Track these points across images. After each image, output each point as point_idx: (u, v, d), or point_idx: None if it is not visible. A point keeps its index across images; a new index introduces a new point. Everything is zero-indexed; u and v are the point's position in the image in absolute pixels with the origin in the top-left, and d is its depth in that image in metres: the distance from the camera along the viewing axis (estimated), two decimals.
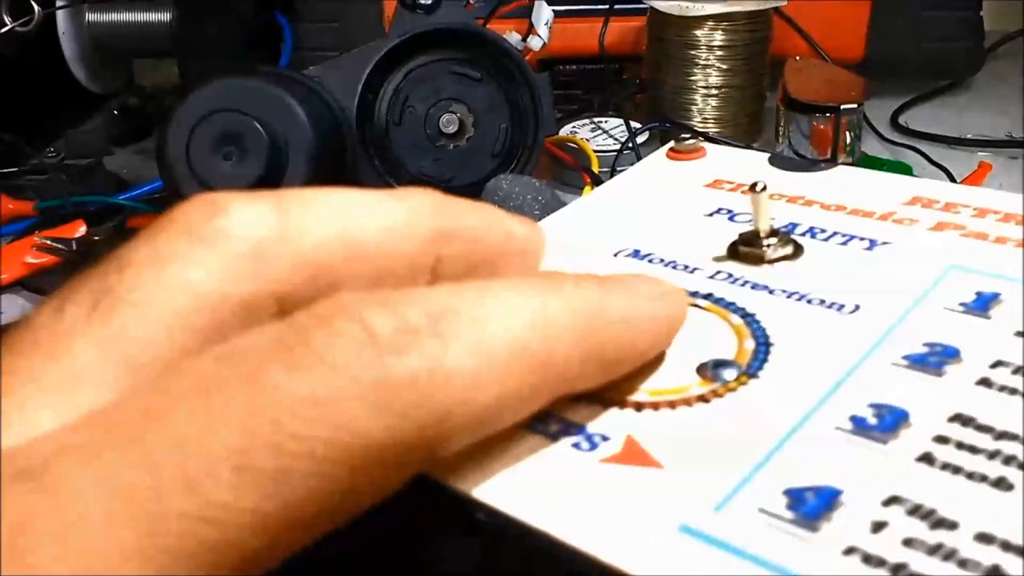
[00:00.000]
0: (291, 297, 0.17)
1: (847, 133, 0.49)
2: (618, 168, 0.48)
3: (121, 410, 0.14)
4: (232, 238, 0.16)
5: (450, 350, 0.14)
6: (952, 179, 0.45)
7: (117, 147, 0.60)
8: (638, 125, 0.52)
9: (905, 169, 0.47)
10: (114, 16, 0.58)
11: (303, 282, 0.17)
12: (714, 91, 0.52)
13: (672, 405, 0.18)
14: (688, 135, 0.28)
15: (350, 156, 0.42)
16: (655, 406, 0.18)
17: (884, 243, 0.22)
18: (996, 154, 0.54)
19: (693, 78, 0.52)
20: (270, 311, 0.17)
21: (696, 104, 0.53)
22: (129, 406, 0.14)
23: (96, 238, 0.46)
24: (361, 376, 0.14)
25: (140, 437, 0.13)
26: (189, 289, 0.16)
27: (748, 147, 0.52)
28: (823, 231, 0.23)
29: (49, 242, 0.45)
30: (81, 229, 0.46)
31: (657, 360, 0.19)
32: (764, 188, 0.21)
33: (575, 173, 0.49)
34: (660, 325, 0.18)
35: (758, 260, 0.22)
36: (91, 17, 0.57)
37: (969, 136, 0.55)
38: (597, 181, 0.45)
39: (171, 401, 0.13)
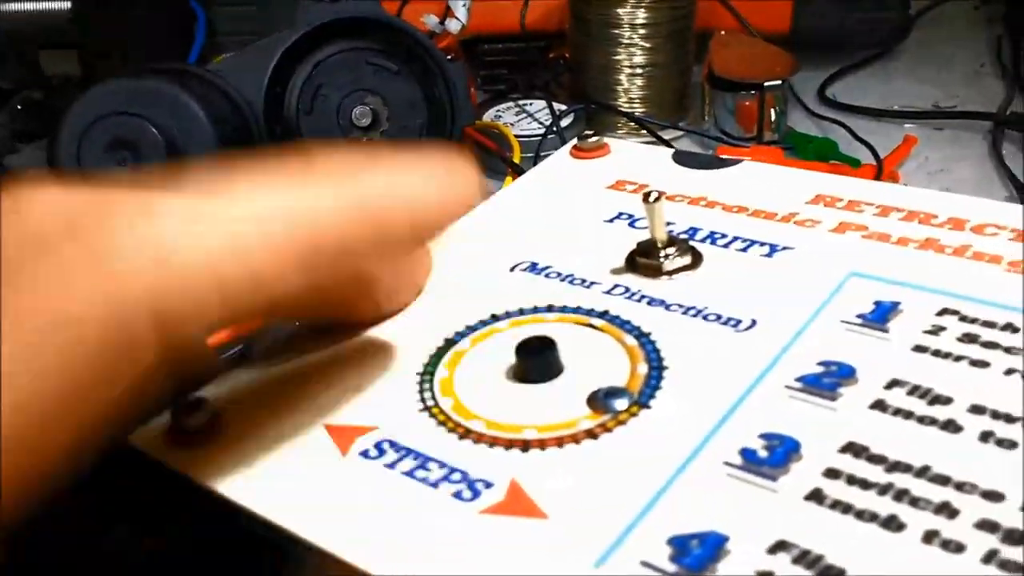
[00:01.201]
0: None
1: (772, 109, 0.49)
2: (543, 153, 0.47)
3: None
4: None
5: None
6: (876, 155, 0.45)
7: (22, 144, 0.57)
8: (563, 107, 0.51)
9: (830, 146, 0.47)
10: (11, 6, 0.55)
11: None
12: (639, 70, 0.51)
13: (559, 443, 0.17)
14: (591, 132, 0.27)
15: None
16: (542, 444, 0.17)
17: (784, 248, 0.21)
18: (922, 125, 0.53)
19: (617, 57, 0.51)
20: None
21: (621, 84, 0.52)
22: None
23: None
24: None
25: None
26: None
27: (675, 126, 0.51)
28: (723, 236, 0.22)
29: None
30: None
31: (549, 390, 0.18)
32: (658, 198, 0.20)
33: (499, 159, 0.48)
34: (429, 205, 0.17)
35: (656, 272, 0.21)
36: None
37: (896, 107, 0.55)
38: (518, 171, 0.44)
39: None
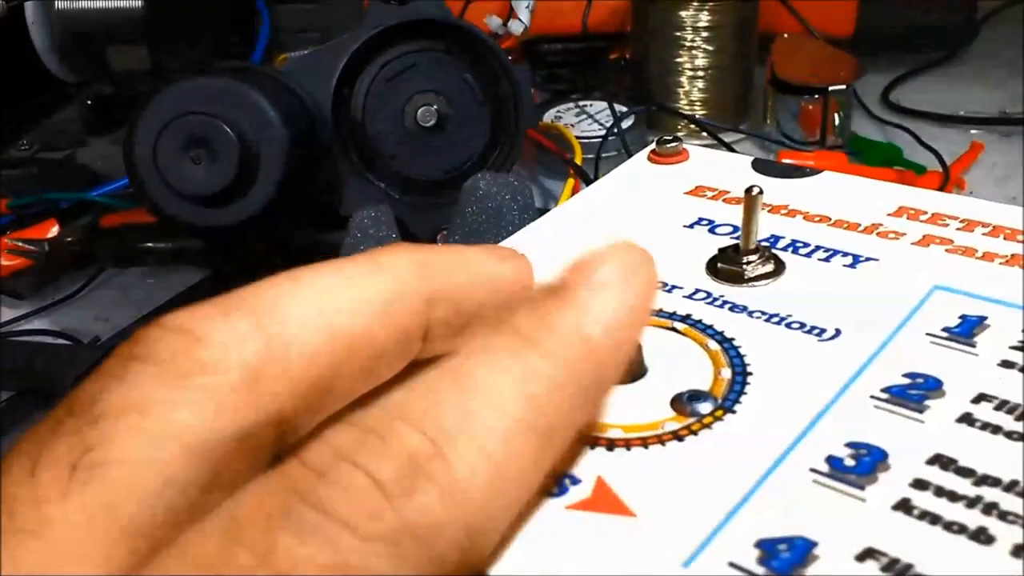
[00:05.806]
0: (289, 416, 0.16)
1: (836, 114, 0.48)
2: (603, 155, 0.47)
3: None
4: (215, 371, 0.15)
5: (457, 466, 0.14)
6: (942, 162, 0.44)
7: (91, 137, 0.59)
8: (624, 108, 0.51)
9: (895, 152, 0.46)
10: (84, 3, 0.56)
11: (300, 399, 0.16)
12: (700, 72, 0.51)
13: (645, 443, 0.17)
14: (670, 137, 0.27)
15: (326, 154, 0.41)
16: (627, 444, 0.17)
17: (868, 259, 0.21)
18: (989, 131, 0.53)
19: (679, 59, 0.51)
20: (270, 437, 0.16)
21: (683, 86, 0.52)
22: None
23: (68, 239, 0.45)
24: (377, 529, 0.13)
25: None
26: (179, 436, 0.14)
27: (736, 129, 0.51)
28: (806, 245, 0.22)
29: (20, 244, 0.44)
30: (53, 230, 0.45)
31: (632, 391, 0.18)
32: (761, 192, 0.20)
33: (559, 160, 0.48)
34: (636, 313, 0.17)
35: (738, 278, 0.21)
36: (60, 5, 0.55)
37: (962, 113, 0.54)
38: (580, 172, 0.44)
39: None
